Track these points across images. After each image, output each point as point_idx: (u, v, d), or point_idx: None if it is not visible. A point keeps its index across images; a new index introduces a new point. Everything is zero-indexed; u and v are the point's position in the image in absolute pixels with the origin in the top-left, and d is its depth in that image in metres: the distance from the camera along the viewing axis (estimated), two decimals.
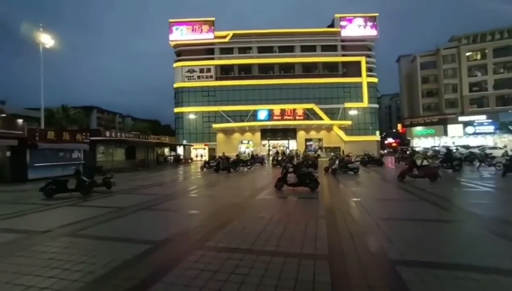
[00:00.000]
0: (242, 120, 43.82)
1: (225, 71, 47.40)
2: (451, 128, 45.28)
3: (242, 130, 44.38)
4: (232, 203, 7.90)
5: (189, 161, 39.63)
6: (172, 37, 47.91)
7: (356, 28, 47.43)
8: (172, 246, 4.23)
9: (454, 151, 22.21)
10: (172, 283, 2.99)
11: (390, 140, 66.14)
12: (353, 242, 4.29)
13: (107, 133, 23.99)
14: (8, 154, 15.26)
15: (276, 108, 44.23)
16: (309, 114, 43.76)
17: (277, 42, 47.29)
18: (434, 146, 32.04)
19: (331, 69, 46.85)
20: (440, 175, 11.50)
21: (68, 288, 2.95)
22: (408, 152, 24.49)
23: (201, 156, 43.51)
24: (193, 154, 44.23)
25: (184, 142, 43.12)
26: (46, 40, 20.02)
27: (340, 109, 44.61)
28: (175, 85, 47.49)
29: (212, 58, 47.40)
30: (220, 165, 19.21)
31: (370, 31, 47.59)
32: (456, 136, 44.06)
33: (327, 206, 7.26)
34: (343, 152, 35.22)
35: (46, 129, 18.04)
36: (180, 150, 40.21)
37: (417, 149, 28.58)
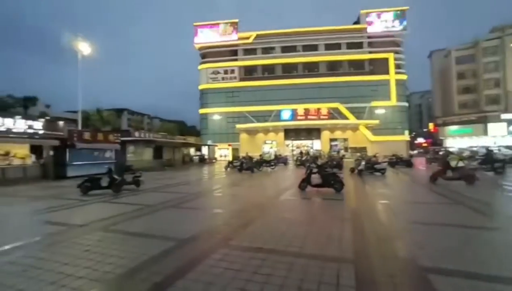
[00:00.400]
0: (265, 121, 43.89)
1: (248, 72, 47.77)
2: (492, 127, 41.78)
3: (266, 131, 44.43)
4: (255, 202, 7.93)
5: (213, 160, 40.41)
6: (197, 40, 49.21)
7: (383, 23, 45.58)
8: (197, 244, 4.33)
9: (496, 151, 20.48)
10: (196, 280, 3.06)
11: (420, 140, 62.53)
12: (380, 246, 4.12)
13: (137, 134, 25.19)
14: (51, 153, 16.57)
15: (300, 108, 43.74)
16: (334, 114, 42.77)
17: (301, 41, 46.79)
18: (472, 146, 29.74)
19: (357, 67, 45.41)
20: (478, 177, 10.66)
21: (101, 279, 3.13)
22: (441, 153, 23.01)
23: (225, 156, 44.18)
24: (217, 154, 45.06)
25: (209, 142, 44.06)
26: (84, 48, 21.43)
27: (366, 108, 43.07)
28: (200, 87, 48.70)
29: (236, 60, 47.99)
30: (243, 165, 19.36)
31: (398, 26, 45.48)
32: (498, 136, 40.54)
33: (352, 208, 7.04)
34: (369, 152, 33.99)
35: (82, 131, 19.33)
36: (204, 150, 41.14)
37: (451, 149, 26.81)
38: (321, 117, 42.97)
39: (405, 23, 45.44)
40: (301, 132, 44.43)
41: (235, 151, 43.59)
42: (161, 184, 13.16)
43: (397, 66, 44.47)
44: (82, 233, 5.05)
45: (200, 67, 48.98)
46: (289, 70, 46.51)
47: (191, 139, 37.56)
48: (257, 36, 47.60)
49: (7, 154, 15.77)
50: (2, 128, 13.99)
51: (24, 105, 33.66)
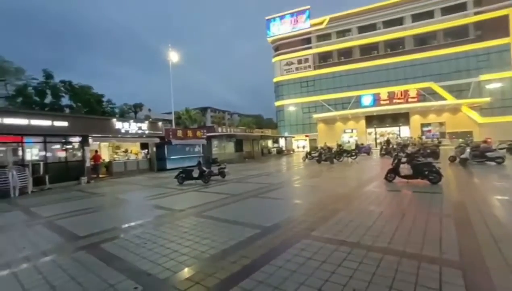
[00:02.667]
0: (344, 108, 41.31)
1: (323, 59, 45.67)
2: None
3: (345, 119, 41.77)
4: (336, 194, 7.65)
5: (291, 152, 40.69)
6: (269, 33, 49.79)
7: None
8: (279, 233, 4.49)
9: None
10: (280, 267, 3.19)
11: None
12: (499, 249, 3.40)
13: (219, 129, 27.50)
14: (154, 149, 19.82)
15: (383, 91, 39.36)
16: (426, 95, 36.79)
17: (381, 17, 41.53)
18: None
19: (456, 35, 37.42)
20: None
21: (199, 257, 3.62)
22: None
23: (303, 147, 43.87)
24: (294, 145, 45.16)
25: (286, 134, 44.50)
26: (173, 57, 24.55)
27: (471, 85, 35.22)
28: (274, 80, 49.35)
29: (310, 48, 46.46)
30: (322, 156, 18.84)
31: None
32: None
33: (455, 202, 6.00)
34: (477, 137, 28.02)
35: (176, 129, 22.32)
36: (282, 142, 41.79)
37: None
38: (409, 100, 37.63)
39: None
40: (386, 118, 39.94)
41: (313, 141, 42.72)
42: (243, 175, 14.07)
43: None
44: (181, 217, 5.90)
45: (273, 60, 49.52)
46: (368, 51, 42.18)
47: (268, 132, 38.66)
48: (331, 20, 44.80)
49: (126, 150, 19.66)
50: (123, 131, 17.43)
51: (134, 111, 41.15)
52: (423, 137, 33.10)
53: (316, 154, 20.10)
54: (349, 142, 36.48)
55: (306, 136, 44.94)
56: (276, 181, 11.50)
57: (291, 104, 45.53)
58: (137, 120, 20.07)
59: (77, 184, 14.10)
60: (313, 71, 45.53)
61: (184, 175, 11.45)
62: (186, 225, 5.23)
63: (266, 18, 49.88)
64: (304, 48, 46.75)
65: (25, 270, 3.59)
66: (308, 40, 46.77)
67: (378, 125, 40.37)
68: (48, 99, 26.67)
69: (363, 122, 40.82)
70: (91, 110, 28.65)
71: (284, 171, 16.42)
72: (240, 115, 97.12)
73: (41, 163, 13.33)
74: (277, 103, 49.06)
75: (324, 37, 45.66)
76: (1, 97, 24.44)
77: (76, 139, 15.20)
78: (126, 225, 5.62)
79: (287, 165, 20.28)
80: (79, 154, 15.32)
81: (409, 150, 13.95)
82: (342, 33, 44.39)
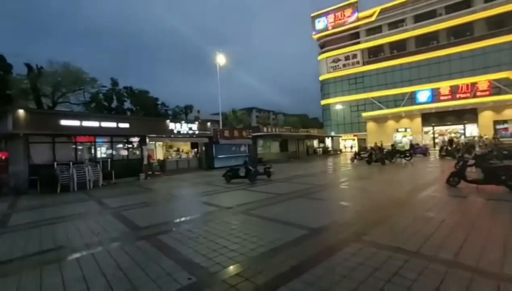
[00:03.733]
0: (396, 106, 38.24)
1: (373, 54, 42.90)
2: None
3: (397, 117, 38.50)
4: (389, 197, 7.13)
5: (338, 152, 39.18)
6: (315, 30, 48.58)
7: None
8: (328, 235, 4.36)
9: None
10: (330, 269, 3.10)
11: None
12: None
13: (265, 129, 27.76)
14: (203, 148, 20.90)
15: (444, 85, 35.33)
16: (501, 87, 31.94)
17: (443, 1, 37.23)
18: None
19: None
20: None
21: (248, 254, 3.70)
22: None
23: (351, 147, 41.91)
24: (341, 145, 43.38)
25: (332, 133, 42.98)
26: (221, 60, 25.54)
27: None
28: (320, 78, 47.99)
29: (358, 43, 44.07)
30: (372, 156, 17.73)
31: None
32: None
33: None
34: None
35: (223, 129, 23.18)
36: (328, 142, 40.47)
37: None
38: (478, 94, 33.08)
39: None
40: (446, 115, 35.45)
41: (361, 141, 40.51)
42: (289, 175, 13.98)
43: None
44: (229, 214, 6.11)
45: (319, 57, 48.19)
46: (425, 42, 38.14)
47: (314, 132, 37.77)
48: (381, 11, 41.79)
49: (178, 149, 21.10)
50: (175, 131, 18.77)
51: (185, 112, 43.99)
52: (497, 136, 28.73)
53: (366, 155, 18.99)
54: (401, 142, 33.74)
55: (354, 135, 42.78)
56: (323, 182, 11.18)
57: (338, 102, 43.79)
58: (188, 121, 21.37)
59: (136, 179, 15.59)
60: (362, 67, 43.10)
61: (231, 174, 11.84)
62: (234, 222, 5.41)
63: (312, 15, 48.80)
64: (352, 44, 44.57)
65: (100, 252, 4.10)
66: (356, 35, 44.45)
67: (437, 124, 36.25)
68: (114, 103, 30.03)
69: (418, 120, 37.07)
70: (148, 112, 31.45)
71: (330, 171, 15.87)
72: (285, 115, 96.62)
73: (109, 160, 15.09)
74: (323, 102, 47.63)
75: (374, 30, 42.86)
76: (80, 104, 28.27)
77: (135, 139, 16.84)
78: (179, 219, 6.04)
79: (334, 166, 19.56)
80: (138, 152, 16.93)
81: (478, 151, 12.31)
82: (394, 25, 41.07)
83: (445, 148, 20.03)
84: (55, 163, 12.69)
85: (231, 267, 3.33)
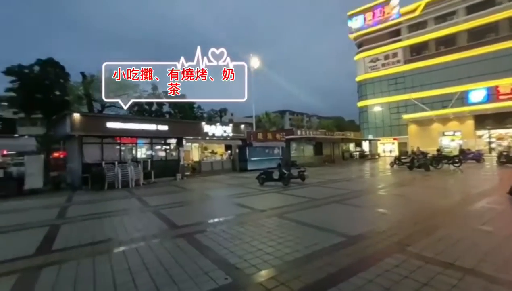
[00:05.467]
0: (443, 107, 35.15)
1: (416, 51, 40.18)
2: None
3: (444, 119, 35.25)
4: (435, 207, 6.56)
5: (376, 156, 37.24)
6: (351, 29, 46.94)
7: None
8: (367, 243, 4.14)
9: None
10: (371, 281, 2.94)
11: None
12: None
13: (298, 132, 27.37)
14: (237, 150, 21.25)
15: (504, 83, 31.58)
16: None
17: None
18: None
19: None
20: None
21: (283, 258, 3.66)
22: None
23: (390, 151, 39.66)
24: (379, 149, 41.19)
25: (370, 137, 41.03)
26: (254, 63, 25.83)
27: None
28: (357, 79, 46.20)
29: (399, 40, 41.63)
30: (414, 161, 16.54)
31: None
32: None
33: None
34: None
35: (257, 132, 23.39)
36: (365, 145, 38.71)
37: None
38: None
39: None
40: (506, 117, 31.40)
41: (402, 145, 38.07)
42: (324, 179, 13.62)
43: None
44: (263, 217, 6.11)
45: (356, 57, 46.43)
46: (480, 35, 34.57)
47: (350, 135, 36.35)
48: (427, 5, 38.96)
49: (212, 151, 21.73)
50: (210, 133, 19.38)
51: (219, 115, 45.27)
52: None
53: (407, 159, 17.77)
54: (449, 146, 31.01)
55: (394, 139, 40.35)
56: (360, 187, 10.69)
57: (376, 104, 41.71)
58: (222, 123, 21.91)
59: (173, 179, 16.33)
60: (403, 66, 40.62)
61: (265, 176, 11.85)
62: (268, 225, 5.39)
63: (348, 13, 47.24)
64: (392, 42, 42.27)
65: (142, 247, 4.36)
66: (397, 32, 42.09)
67: (494, 127, 32.40)
68: (154, 107, 31.92)
69: (470, 123, 33.61)
70: (185, 115, 32.89)
71: (368, 177, 15.14)
72: (319, 117, 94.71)
73: (149, 161, 16.04)
74: (360, 104, 45.73)
75: (417, 26, 40.17)
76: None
77: (173, 141, 17.69)
78: (214, 220, 6.18)
79: (372, 171, 18.62)
80: (174, 153, 17.76)
81: None
82: (442, 18, 37.98)
83: (505, 153, 17.90)
84: (103, 162, 13.83)
85: (267, 270, 3.32)
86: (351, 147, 36.41)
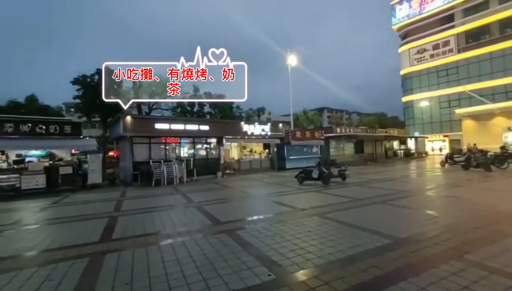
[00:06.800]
0: (508, 99, 31.04)
1: (473, 38, 35.97)
2: None
3: (510, 113, 30.69)
4: (500, 211, 5.86)
5: (423, 155, 34.40)
6: (395, 20, 43.82)
7: None
8: (417, 247, 3.88)
9: None
10: (423, 288, 2.75)
11: None
12: None
13: (338, 130, 26.49)
14: (275, 149, 21.30)
15: None
16: None
17: None
18: None
19: None
20: None
21: (326, 258, 3.61)
22: None
23: (440, 149, 36.34)
24: (427, 147, 37.98)
25: (416, 134, 38.02)
26: (292, 60, 25.59)
27: None
28: (402, 72, 43.05)
29: (452, 27, 37.69)
30: (471, 160, 14.92)
31: None
32: None
33: None
34: None
35: (295, 130, 23.16)
36: (411, 143, 35.99)
37: None
38: None
39: None
40: None
41: (455, 142, 34.58)
42: (365, 178, 13.01)
43: None
44: (304, 216, 6.06)
45: (400, 50, 43.22)
46: None
47: (393, 132, 34.09)
48: None
49: (251, 150, 22.07)
50: (249, 132, 19.69)
51: (258, 114, 45.77)
52: None
53: (462, 158, 16.10)
54: None
55: (445, 136, 36.81)
56: (406, 187, 10.01)
57: (423, 98, 38.41)
58: (260, 122, 22.12)
59: (214, 177, 16.95)
60: (457, 56, 36.77)
61: (304, 175, 11.70)
62: (310, 224, 5.34)
63: (392, 2, 44.19)
64: (443, 29, 38.43)
65: (189, 241, 4.64)
66: (449, 18, 38.19)
67: None
68: (196, 108, 33.42)
69: None
70: (224, 115, 33.87)
71: (414, 176, 14.10)
72: (359, 114, 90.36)
73: (191, 159, 16.88)
74: (405, 99, 42.56)
75: (475, 8, 35.91)
76: (169, 109, 32.53)
77: (213, 141, 18.35)
78: (255, 217, 6.30)
79: (419, 170, 17.26)
80: (214, 152, 18.40)
81: None
82: None
83: None
84: (151, 161, 14.92)
85: (310, 269, 3.30)
86: (395, 144, 34.14)
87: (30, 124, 13.19)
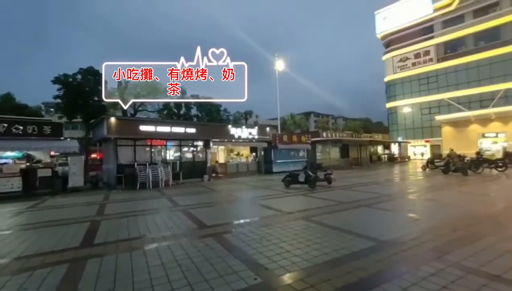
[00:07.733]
0: (482, 107, 32.63)
1: (451, 48, 37.68)
2: None
3: (485, 120, 32.27)
4: (477, 213, 6.14)
5: (406, 159, 35.50)
6: (379, 29, 45.24)
7: None
8: (399, 249, 3.99)
9: None
10: (405, 289, 2.83)
11: None
12: None
13: (324, 134, 26.92)
14: (262, 153, 21.34)
15: None
16: None
17: None
18: None
19: None
20: None
21: (311, 261, 3.64)
22: None
23: (421, 154, 37.63)
24: (410, 151, 39.23)
25: (399, 139, 39.22)
26: (279, 65, 25.86)
27: None
28: (386, 79, 44.40)
29: (431, 37, 39.35)
30: (450, 165, 15.54)
31: None
32: None
33: None
34: None
35: (282, 134, 23.32)
36: (394, 148, 37.07)
37: None
38: None
39: None
40: None
41: (435, 147, 35.93)
42: (351, 182, 13.26)
43: None
44: (291, 219, 6.09)
45: (384, 57, 44.64)
46: None
47: (377, 137, 35.02)
48: None
49: (238, 153, 22.01)
50: (236, 136, 19.65)
51: (245, 118, 45.81)
52: None
53: (442, 163, 16.75)
54: (490, 149, 28.74)
55: (426, 141, 38.20)
56: (390, 191, 10.29)
57: (406, 105, 39.72)
58: (247, 126, 22.14)
59: (201, 180, 16.77)
60: (436, 65, 38.32)
61: (291, 179, 11.79)
62: (296, 227, 5.37)
63: (376, 12, 45.65)
64: (423, 39, 40.06)
65: (174, 245, 4.55)
66: (429, 29, 39.85)
67: None
68: (183, 110, 33.04)
69: None
70: (211, 118, 33.69)
71: (398, 180, 14.50)
72: (345, 119, 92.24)
73: (177, 162, 16.64)
74: (389, 105, 43.87)
75: (453, 21, 37.65)
76: (155, 111, 32.00)
77: (200, 143, 18.19)
78: (242, 221, 6.28)
79: (402, 174, 17.78)
80: (201, 155, 18.23)
81: None
82: (483, 10, 35.07)
83: None
84: (135, 163, 14.58)
85: (296, 272, 3.32)
86: (379, 149, 35.03)
87: (5, 124, 12.57)
